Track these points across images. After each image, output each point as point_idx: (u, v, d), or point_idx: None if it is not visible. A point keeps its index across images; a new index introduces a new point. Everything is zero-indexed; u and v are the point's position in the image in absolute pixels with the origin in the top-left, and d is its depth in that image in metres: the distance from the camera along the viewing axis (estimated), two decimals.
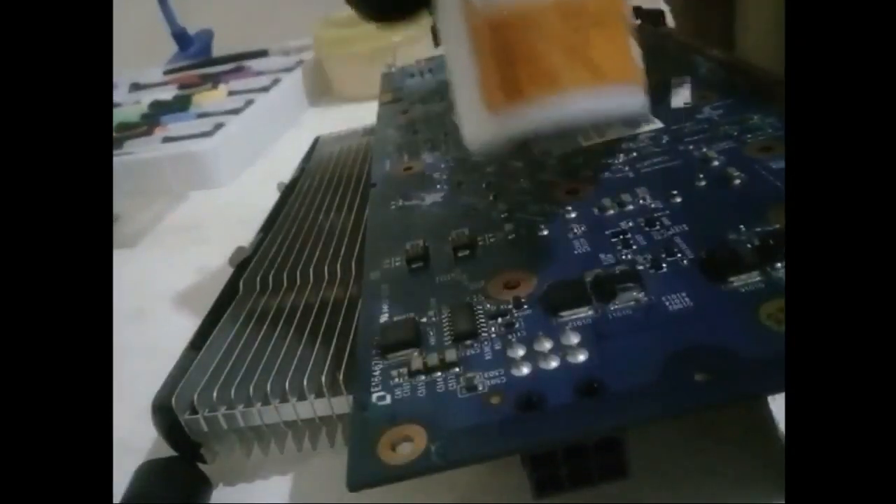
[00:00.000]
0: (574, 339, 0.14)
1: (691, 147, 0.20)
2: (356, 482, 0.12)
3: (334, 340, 0.18)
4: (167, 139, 0.41)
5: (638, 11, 0.31)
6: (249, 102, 0.44)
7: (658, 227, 0.16)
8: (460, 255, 0.17)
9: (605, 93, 0.13)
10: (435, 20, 0.15)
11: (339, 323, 0.19)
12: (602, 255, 0.16)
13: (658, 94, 0.21)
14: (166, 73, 0.56)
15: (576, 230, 0.17)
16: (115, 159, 0.38)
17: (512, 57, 0.13)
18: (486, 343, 0.14)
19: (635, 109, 0.14)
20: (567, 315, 0.14)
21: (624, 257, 0.16)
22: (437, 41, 0.25)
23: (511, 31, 0.13)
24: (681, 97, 0.23)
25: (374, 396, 0.13)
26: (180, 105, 0.47)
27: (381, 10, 0.15)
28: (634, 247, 0.16)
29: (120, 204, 0.37)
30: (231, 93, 0.48)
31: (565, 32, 0.13)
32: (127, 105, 0.50)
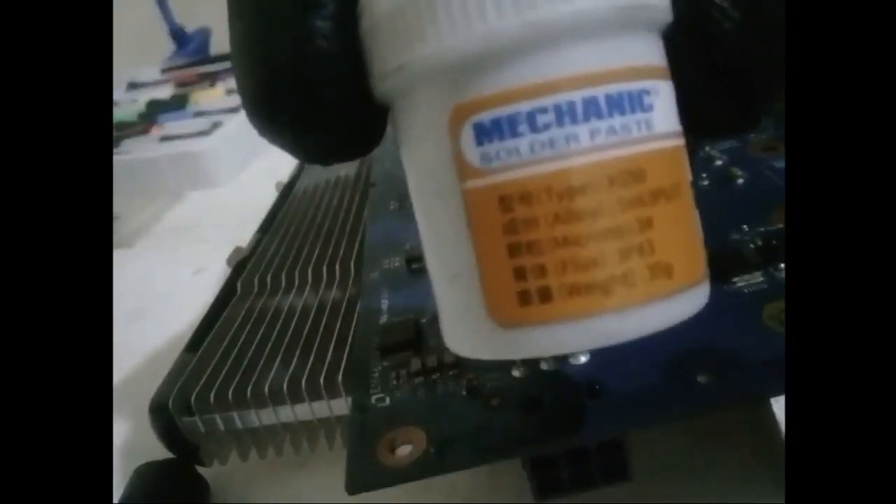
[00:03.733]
0: None
1: None
2: (355, 485, 0.12)
3: (333, 342, 0.18)
4: (164, 138, 0.41)
5: None
6: None
7: None
8: None
9: (672, 302, 0.09)
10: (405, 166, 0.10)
11: (338, 324, 0.19)
12: None
13: None
14: (164, 71, 0.56)
15: None
16: (114, 158, 0.38)
17: (533, 246, 0.08)
18: None
19: (698, 310, 0.10)
20: None
21: None
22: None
23: (532, 207, 0.08)
24: None
25: (374, 398, 0.13)
26: (178, 104, 0.47)
27: (313, 157, 0.12)
28: None
29: (119, 204, 0.37)
30: (229, 91, 0.48)
31: (617, 210, 0.08)
32: (124, 104, 0.50)
